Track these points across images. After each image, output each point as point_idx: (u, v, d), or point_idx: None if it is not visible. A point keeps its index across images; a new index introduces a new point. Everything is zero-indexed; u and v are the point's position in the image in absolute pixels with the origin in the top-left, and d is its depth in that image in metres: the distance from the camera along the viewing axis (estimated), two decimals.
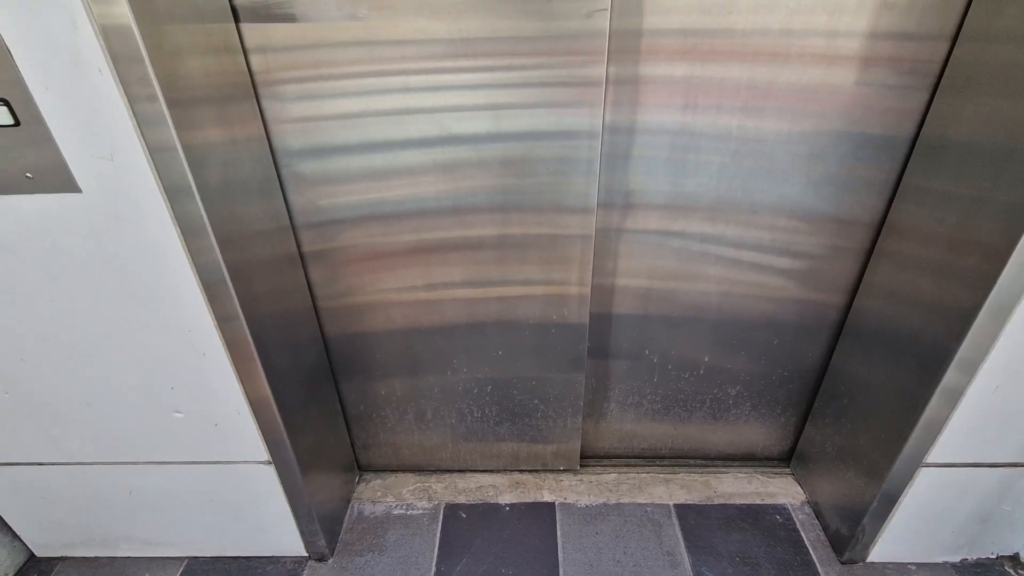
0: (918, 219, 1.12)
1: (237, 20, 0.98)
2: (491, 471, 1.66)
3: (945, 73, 1.05)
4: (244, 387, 1.09)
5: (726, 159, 1.16)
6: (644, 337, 1.43)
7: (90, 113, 0.80)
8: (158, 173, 0.84)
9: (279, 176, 1.13)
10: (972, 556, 1.38)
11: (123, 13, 0.72)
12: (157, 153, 0.82)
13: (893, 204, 1.19)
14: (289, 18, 0.99)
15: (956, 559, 1.38)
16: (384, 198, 1.18)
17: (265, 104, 1.06)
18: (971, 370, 1.04)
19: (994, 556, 1.38)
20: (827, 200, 1.20)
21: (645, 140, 1.14)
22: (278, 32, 1.00)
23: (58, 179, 0.85)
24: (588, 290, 1.29)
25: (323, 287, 1.30)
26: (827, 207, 1.21)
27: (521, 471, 1.66)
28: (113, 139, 0.82)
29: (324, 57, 1.02)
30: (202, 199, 0.86)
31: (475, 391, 1.49)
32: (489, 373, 1.45)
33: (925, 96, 1.08)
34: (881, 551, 1.35)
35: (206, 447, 1.19)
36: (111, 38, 0.74)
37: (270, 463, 1.21)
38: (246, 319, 1.00)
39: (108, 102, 0.79)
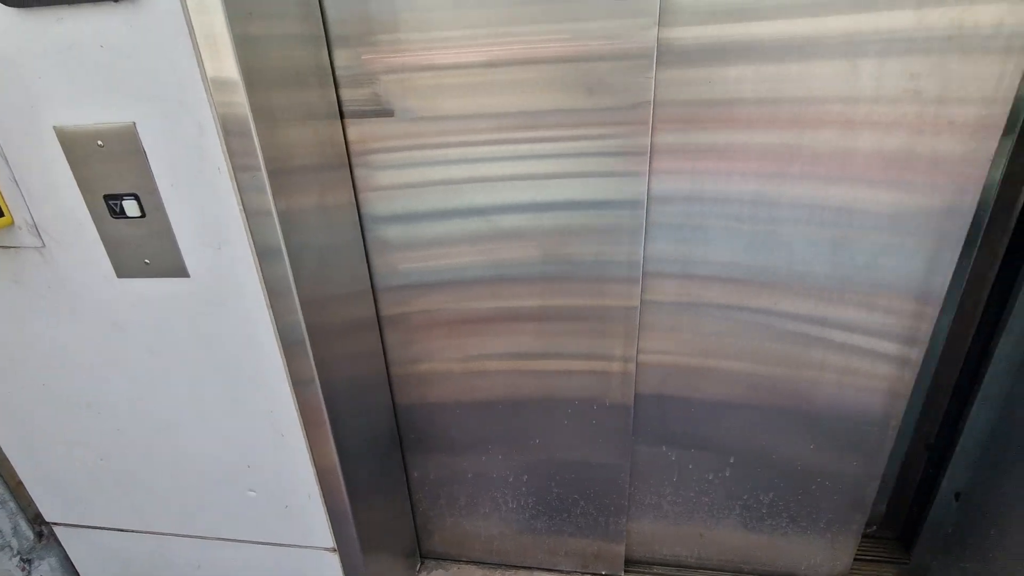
0: None
1: (343, 117, 1.04)
2: (559, 572, 1.53)
3: None
4: (314, 458, 1.07)
5: (787, 228, 1.04)
6: (698, 423, 1.29)
7: (206, 207, 0.85)
8: (256, 250, 0.87)
9: (364, 240, 1.16)
10: None
11: (245, 120, 0.78)
12: (254, 219, 0.85)
13: None
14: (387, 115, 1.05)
15: None
16: (458, 264, 1.17)
17: (357, 173, 1.10)
18: None
19: None
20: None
21: (693, 209, 1.06)
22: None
23: (171, 265, 0.91)
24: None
25: (397, 351, 1.28)
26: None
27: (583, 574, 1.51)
28: (222, 230, 0.86)
29: (407, 130, 1.06)
30: (290, 260, 0.88)
31: (557, 476, 1.39)
32: (563, 457, 1.36)
33: None
34: None
35: (275, 528, 1.17)
36: (231, 140, 0.79)
37: (335, 550, 1.16)
38: (321, 382, 0.99)
39: (222, 197, 0.84)
